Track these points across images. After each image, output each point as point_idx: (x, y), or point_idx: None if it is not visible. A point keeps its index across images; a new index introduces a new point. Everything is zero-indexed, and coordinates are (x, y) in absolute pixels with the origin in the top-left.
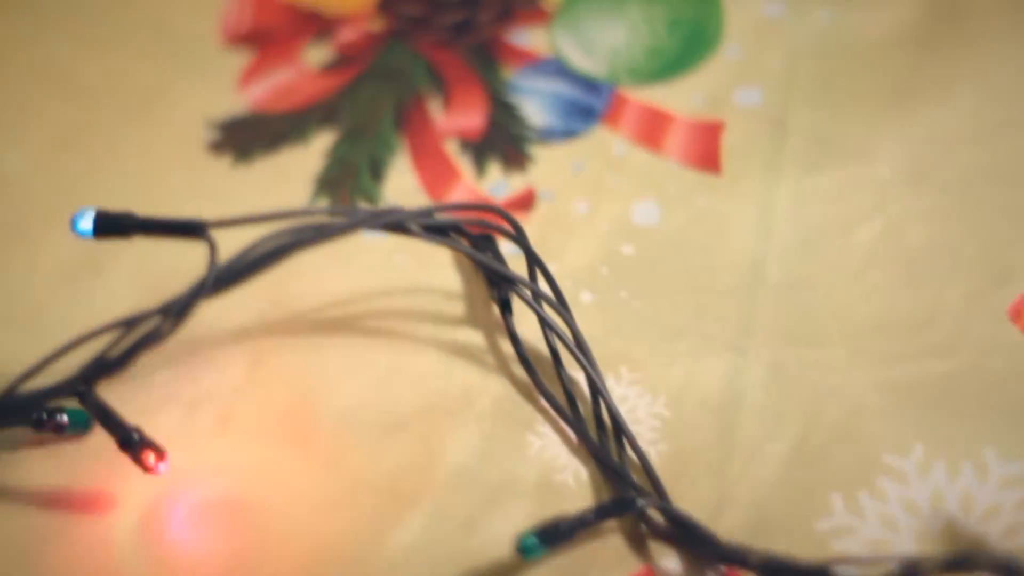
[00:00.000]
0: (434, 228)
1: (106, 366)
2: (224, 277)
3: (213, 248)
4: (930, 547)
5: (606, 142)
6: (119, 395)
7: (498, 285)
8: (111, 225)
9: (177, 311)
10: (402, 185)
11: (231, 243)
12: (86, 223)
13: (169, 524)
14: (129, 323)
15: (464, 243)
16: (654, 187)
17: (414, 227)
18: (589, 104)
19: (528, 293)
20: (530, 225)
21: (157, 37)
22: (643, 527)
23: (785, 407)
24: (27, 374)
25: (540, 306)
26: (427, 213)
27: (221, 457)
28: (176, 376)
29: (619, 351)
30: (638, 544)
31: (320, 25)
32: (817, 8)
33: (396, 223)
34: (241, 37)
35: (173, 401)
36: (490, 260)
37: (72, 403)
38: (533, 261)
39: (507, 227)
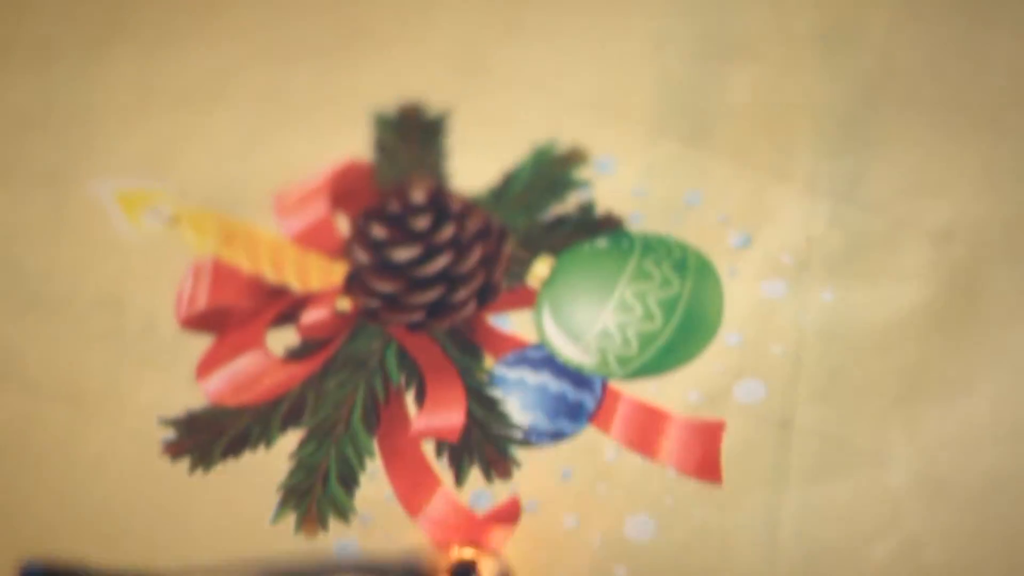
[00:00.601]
0: None
1: None
2: None
3: None
4: None
5: (597, 445)
6: None
7: None
8: None
9: None
10: (375, 494)
11: None
12: None
13: None
14: None
15: None
16: (649, 498)
17: None
18: (578, 400)
19: None
20: (514, 542)
21: (111, 320)
22: None
23: None
24: None
25: None
26: (410, 567)
27: None
28: None
29: None
30: None
31: (284, 303)
32: (821, 288)
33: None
34: (198, 319)
35: None
36: None
37: None
38: None
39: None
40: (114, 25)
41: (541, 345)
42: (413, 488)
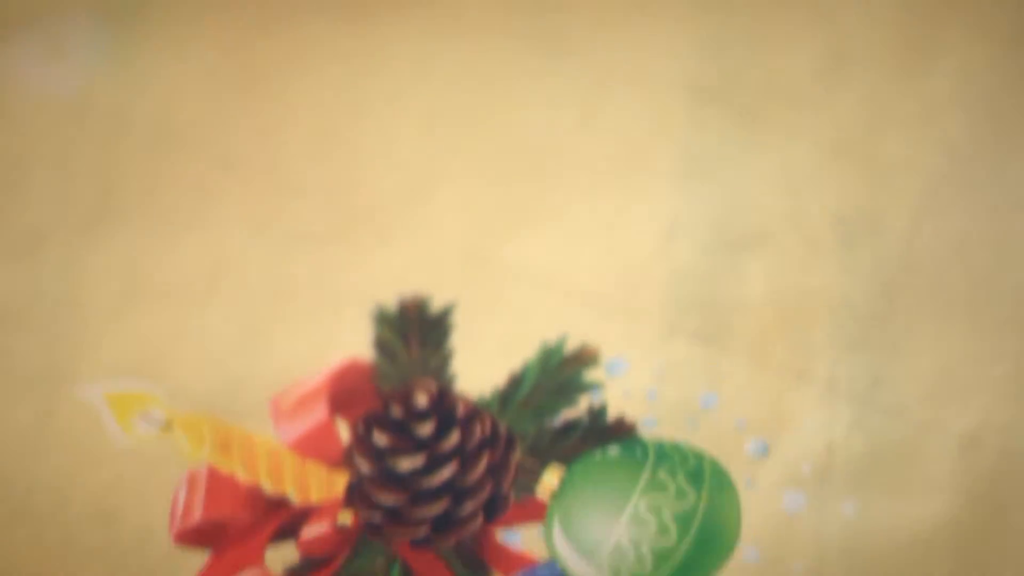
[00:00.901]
0: None
1: None
2: None
3: None
4: None
5: None
6: None
7: None
8: None
9: None
10: None
11: None
12: None
13: None
14: None
15: None
16: None
17: None
18: None
19: None
20: None
21: (103, 534)
22: None
23: None
24: None
25: None
26: None
27: None
28: None
29: None
30: None
31: (283, 516)
32: (842, 500)
33: None
34: (193, 534)
35: None
36: None
37: None
38: None
39: None
40: (102, 214)
41: (552, 562)
42: None
